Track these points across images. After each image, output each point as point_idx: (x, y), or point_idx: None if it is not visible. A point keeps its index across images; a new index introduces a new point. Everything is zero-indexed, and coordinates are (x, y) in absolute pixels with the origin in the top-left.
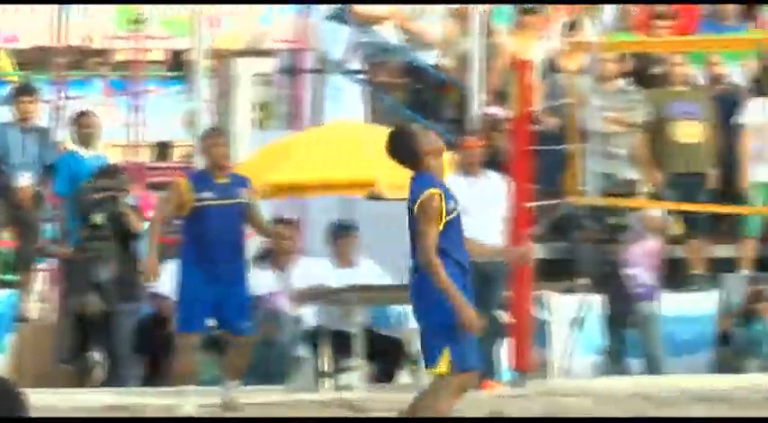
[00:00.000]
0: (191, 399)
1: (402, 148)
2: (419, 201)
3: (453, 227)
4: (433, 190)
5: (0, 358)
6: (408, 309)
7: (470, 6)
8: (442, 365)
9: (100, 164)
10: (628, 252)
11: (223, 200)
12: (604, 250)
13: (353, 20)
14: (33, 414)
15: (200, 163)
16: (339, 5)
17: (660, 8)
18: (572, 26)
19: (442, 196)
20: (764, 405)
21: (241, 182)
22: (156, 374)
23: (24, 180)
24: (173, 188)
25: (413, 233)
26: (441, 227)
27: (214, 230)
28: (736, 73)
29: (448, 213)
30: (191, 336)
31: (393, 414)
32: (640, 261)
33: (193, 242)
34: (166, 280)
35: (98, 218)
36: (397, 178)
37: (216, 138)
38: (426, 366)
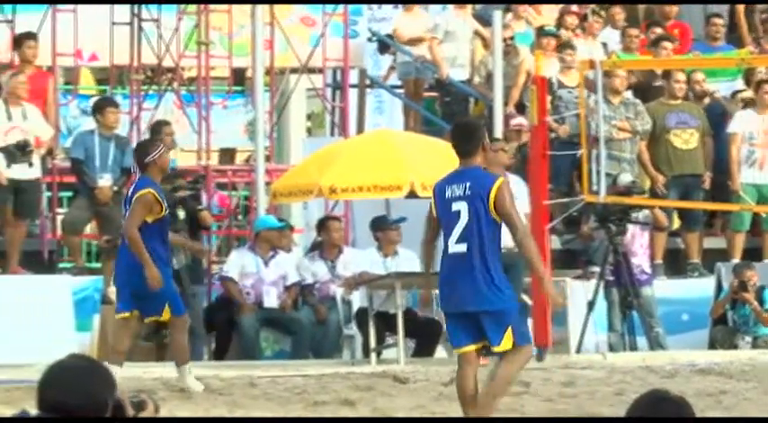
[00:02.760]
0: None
1: (470, 137)
2: (498, 187)
3: None
4: (504, 178)
5: (87, 336)
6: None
7: (494, 29)
8: (504, 344)
9: (175, 166)
10: (632, 243)
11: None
12: (613, 242)
13: (392, 41)
14: (120, 385)
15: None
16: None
17: (661, 31)
18: (569, 46)
19: None
20: (753, 376)
21: None
22: (222, 349)
23: (105, 181)
24: (149, 201)
25: (480, 218)
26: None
27: (168, 233)
28: (723, 88)
29: None
30: (185, 317)
31: (429, 383)
32: (642, 251)
33: (159, 243)
34: (232, 265)
35: (180, 213)
36: (428, 180)
37: (164, 147)
38: (492, 345)
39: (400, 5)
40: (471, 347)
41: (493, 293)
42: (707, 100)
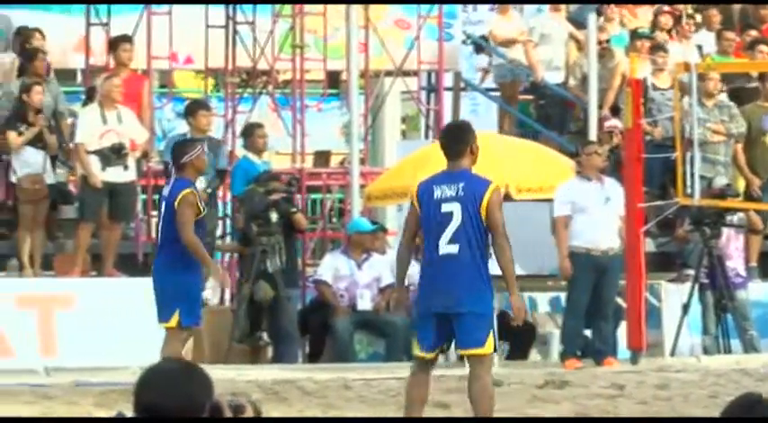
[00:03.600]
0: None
1: (460, 138)
2: (492, 191)
3: None
4: (497, 184)
5: None
6: (539, 296)
7: (589, 32)
8: (488, 347)
9: (269, 169)
10: (726, 246)
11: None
12: (707, 245)
13: (487, 44)
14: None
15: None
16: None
17: (757, 34)
18: (662, 49)
19: None
20: None
21: None
22: (317, 352)
23: (198, 183)
24: (194, 201)
25: (472, 219)
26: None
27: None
28: None
29: None
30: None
31: (523, 386)
32: (737, 254)
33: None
34: (326, 268)
35: (273, 216)
36: (523, 182)
37: (201, 148)
38: (469, 347)
39: (495, 7)
40: (435, 354)
41: (482, 295)
42: None
